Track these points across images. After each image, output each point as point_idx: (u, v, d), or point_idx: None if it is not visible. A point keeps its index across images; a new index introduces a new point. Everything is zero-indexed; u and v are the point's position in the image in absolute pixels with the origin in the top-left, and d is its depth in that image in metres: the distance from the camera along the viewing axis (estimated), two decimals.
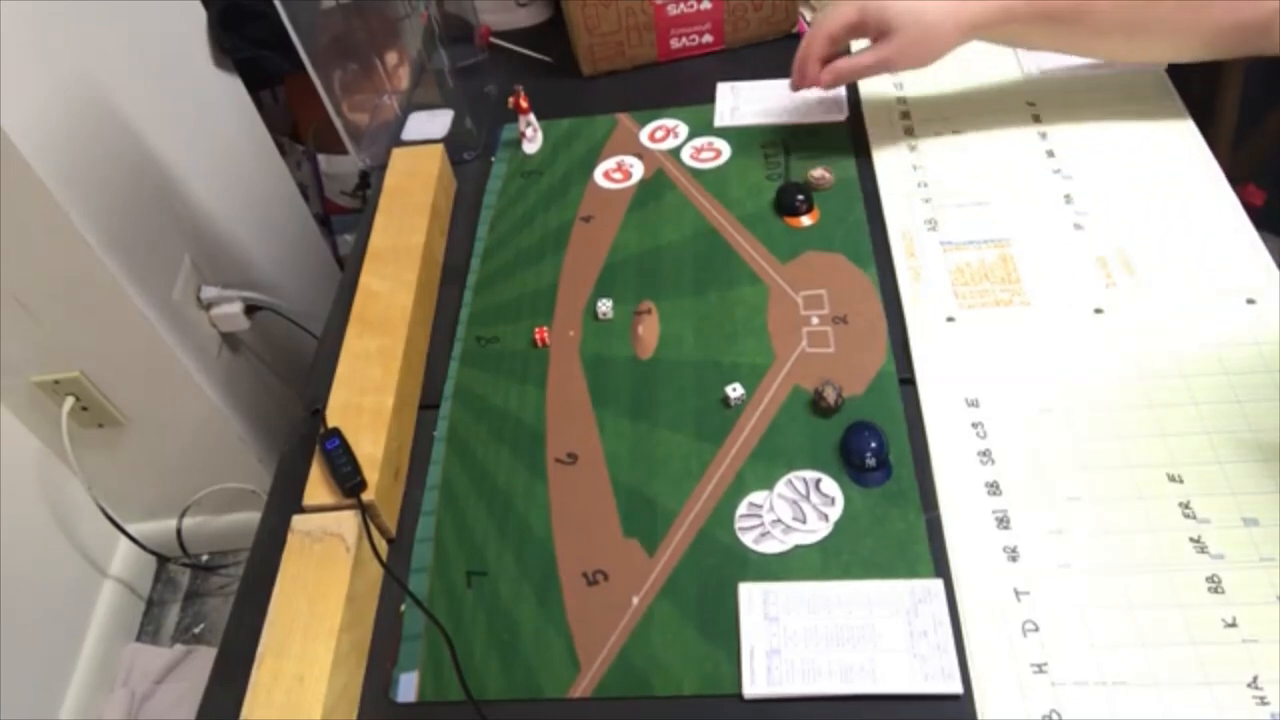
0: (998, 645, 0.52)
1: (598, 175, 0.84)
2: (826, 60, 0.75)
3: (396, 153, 0.84)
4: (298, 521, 0.59)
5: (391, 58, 0.92)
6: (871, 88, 0.86)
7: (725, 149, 0.84)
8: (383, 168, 0.84)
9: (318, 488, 0.60)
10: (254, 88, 1.45)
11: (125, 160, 1.11)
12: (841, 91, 0.86)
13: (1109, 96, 0.81)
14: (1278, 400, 0.59)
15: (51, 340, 1.13)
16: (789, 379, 0.67)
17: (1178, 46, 0.72)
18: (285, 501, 0.64)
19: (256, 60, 1.39)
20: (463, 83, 0.94)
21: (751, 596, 0.56)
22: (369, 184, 1.51)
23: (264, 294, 1.30)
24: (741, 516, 0.60)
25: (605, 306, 0.73)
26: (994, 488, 0.58)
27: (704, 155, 0.84)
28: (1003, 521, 0.57)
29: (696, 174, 0.83)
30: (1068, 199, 0.74)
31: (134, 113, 1.13)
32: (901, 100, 0.85)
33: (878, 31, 0.70)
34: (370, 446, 0.62)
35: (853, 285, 0.72)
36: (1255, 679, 0.49)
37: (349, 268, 0.80)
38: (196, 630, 1.46)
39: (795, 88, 0.79)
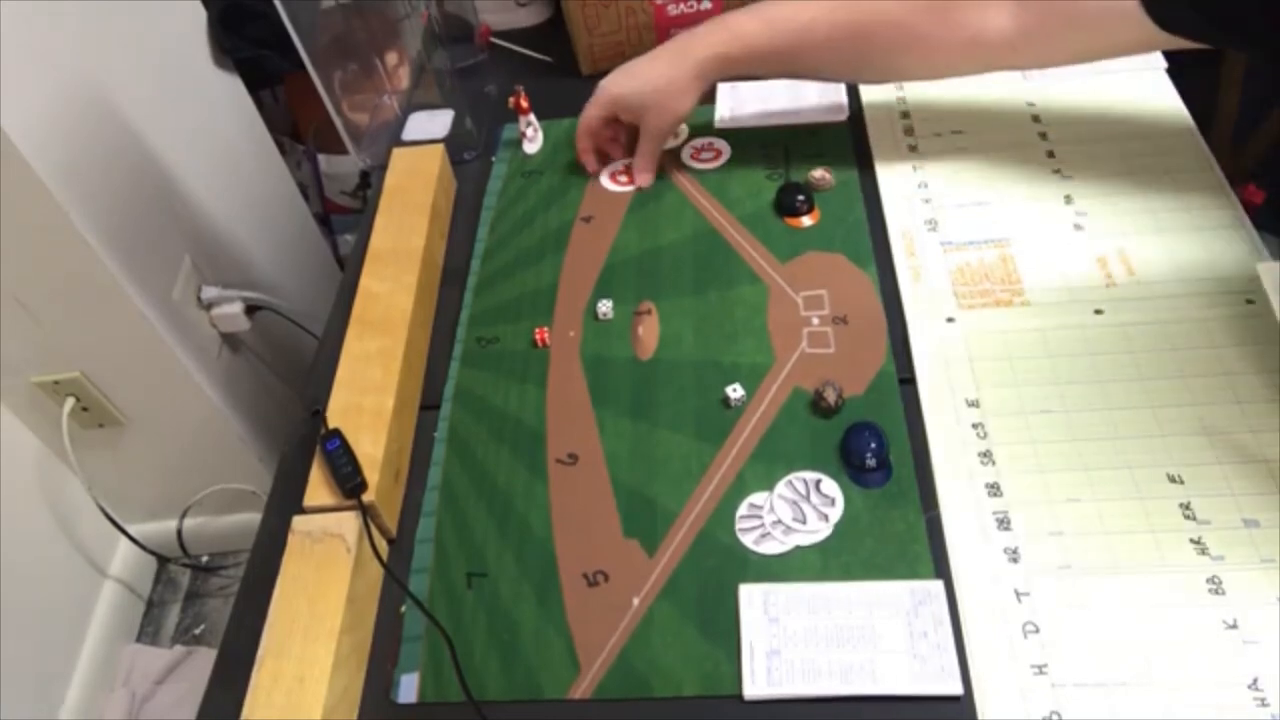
0: (998, 646, 0.52)
1: (604, 178, 0.84)
2: (607, 142, 0.84)
3: (396, 153, 0.84)
4: (298, 522, 0.59)
5: (391, 58, 0.92)
6: (872, 88, 0.86)
7: (725, 149, 0.84)
8: (383, 168, 0.84)
9: (318, 488, 0.60)
10: (254, 88, 1.45)
11: (125, 160, 1.11)
12: (842, 92, 0.86)
13: (1109, 97, 0.81)
14: (1278, 400, 0.59)
15: (51, 340, 1.13)
16: (789, 379, 0.66)
17: (913, 68, 0.74)
18: (285, 502, 0.64)
19: (256, 60, 1.38)
20: (463, 83, 0.94)
21: (752, 597, 0.56)
22: (369, 184, 1.51)
23: (264, 294, 1.30)
24: (742, 517, 0.60)
25: (605, 307, 0.73)
26: (994, 488, 0.58)
27: (704, 155, 0.84)
28: (1003, 522, 0.57)
29: (696, 174, 0.83)
30: (1068, 199, 0.74)
31: (134, 113, 1.13)
32: (902, 100, 0.85)
33: (630, 113, 0.79)
34: (371, 447, 0.62)
35: (853, 285, 0.72)
36: (1255, 680, 0.49)
37: (349, 268, 0.80)
38: (196, 631, 1.46)
39: (592, 172, 0.84)
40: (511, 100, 0.87)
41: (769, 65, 0.75)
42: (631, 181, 0.83)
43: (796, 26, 0.70)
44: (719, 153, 0.84)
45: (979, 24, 0.66)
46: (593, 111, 0.80)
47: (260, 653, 0.54)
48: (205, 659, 1.40)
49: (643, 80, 0.76)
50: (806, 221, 0.77)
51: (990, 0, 0.65)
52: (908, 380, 0.65)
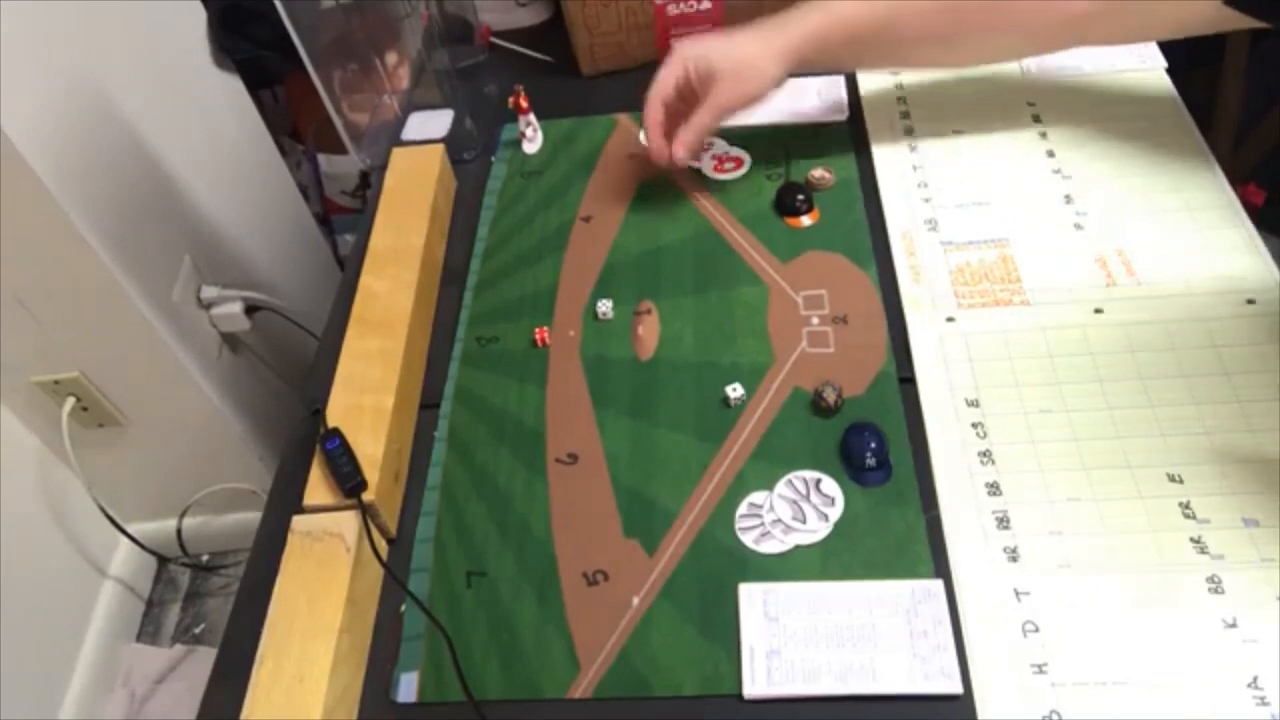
0: (998, 645, 0.52)
1: (706, 165, 0.83)
2: (674, 124, 0.75)
3: (396, 153, 0.84)
4: (298, 522, 0.59)
5: (391, 58, 0.92)
6: (872, 88, 0.86)
7: (746, 158, 0.83)
8: (383, 168, 0.84)
9: (318, 488, 0.60)
10: (254, 88, 1.45)
11: (125, 160, 1.11)
12: (842, 92, 0.86)
13: (1109, 96, 0.81)
14: (1278, 400, 0.59)
15: (51, 340, 1.13)
16: (789, 379, 0.66)
17: (997, 48, 0.74)
18: (285, 501, 0.64)
19: (257, 60, 1.39)
20: (463, 83, 0.94)
21: (751, 597, 0.56)
22: (369, 184, 1.51)
23: (264, 294, 1.30)
24: (741, 517, 0.60)
25: (605, 307, 0.73)
26: (994, 488, 0.58)
27: (726, 166, 0.83)
28: (1003, 521, 0.57)
29: (696, 174, 0.83)
30: (1068, 199, 0.74)
31: (134, 113, 1.13)
32: (902, 100, 0.85)
33: (702, 81, 0.72)
34: (370, 447, 0.62)
35: (853, 285, 0.72)
36: (1255, 679, 0.49)
37: (349, 268, 0.80)
38: (196, 630, 1.46)
39: (660, 159, 0.75)
40: (511, 100, 0.87)
41: (862, 49, 0.73)
42: (739, 165, 0.80)
43: (896, 6, 0.69)
44: (740, 161, 0.83)
45: (1063, 8, 0.67)
46: (670, 71, 0.72)
47: (260, 652, 0.54)
48: (205, 658, 1.40)
49: (729, 45, 0.71)
50: (806, 221, 0.77)
51: None
52: (908, 380, 0.65)
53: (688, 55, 0.72)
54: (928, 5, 0.69)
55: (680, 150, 0.74)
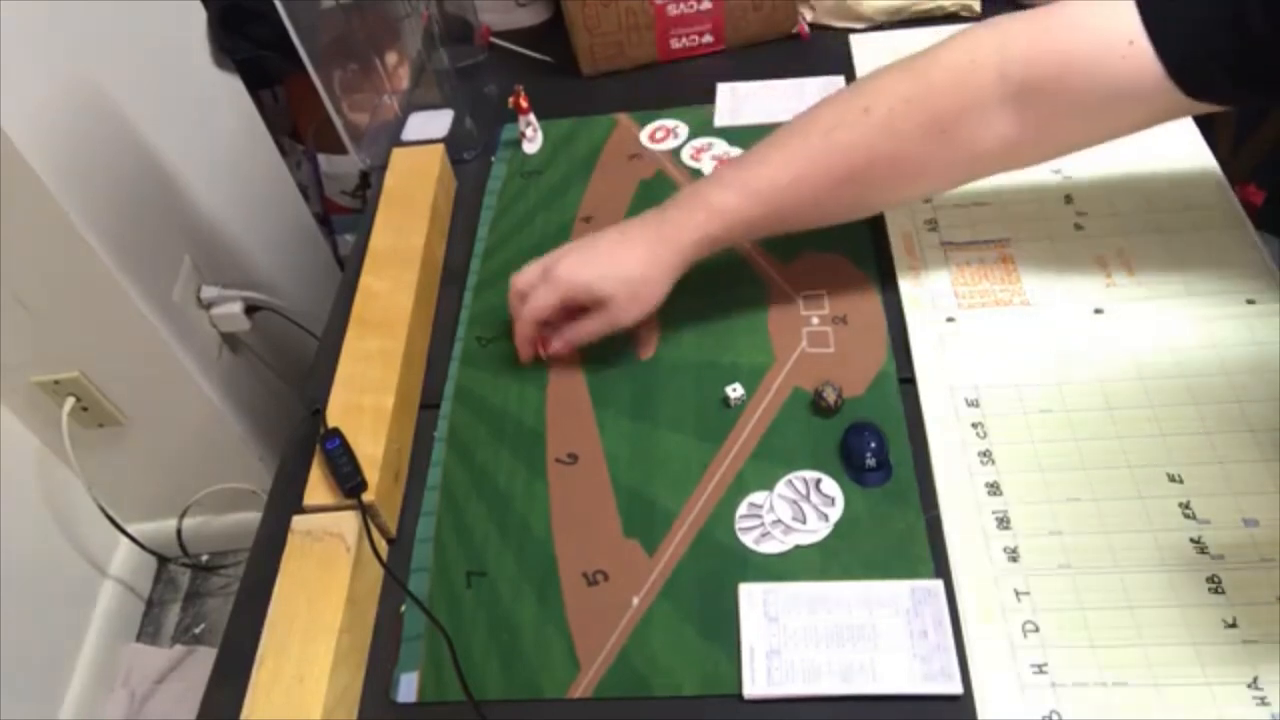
0: (998, 645, 0.52)
1: (707, 168, 0.83)
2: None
3: (396, 153, 0.84)
4: (298, 522, 0.59)
5: (391, 58, 0.92)
6: None
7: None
8: (383, 168, 0.84)
9: (318, 488, 0.60)
10: (254, 88, 1.45)
11: (125, 160, 1.11)
12: None
13: None
14: (1278, 400, 0.59)
15: (51, 340, 1.13)
16: (789, 379, 0.66)
17: (921, 193, 0.71)
18: (285, 501, 0.64)
19: (257, 60, 1.39)
20: (463, 83, 0.94)
21: (751, 597, 0.56)
22: (369, 184, 1.51)
23: (264, 294, 1.30)
24: (741, 517, 0.60)
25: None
26: (994, 488, 0.58)
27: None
28: (1003, 521, 0.57)
29: (697, 174, 0.83)
30: (1068, 199, 0.74)
31: (134, 113, 1.13)
32: None
33: (593, 303, 0.65)
34: (370, 447, 0.62)
35: (853, 285, 0.71)
36: (1255, 679, 0.49)
37: (349, 268, 0.80)
38: (196, 630, 1.46)
39: (526, 359, 0.71)
40: (511, 100, 0.87)
41: (758, 233, 0.69)
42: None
43: (781, 188, 0.62)
44: None
45: (981, 136, 0.59)
46: (545, 300, 0.66)
47: (260, 652, 0.54)
48: (205, 658, 1.40)
49: (613, 268, 0.65)
50: None
51: (987, 106, 0.58)
52: (908, 380, 0.65)
53: (571, 284, 0.65)
54: (822, 185, 0.62)
55: (560, 345, 0.69)
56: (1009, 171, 0.65)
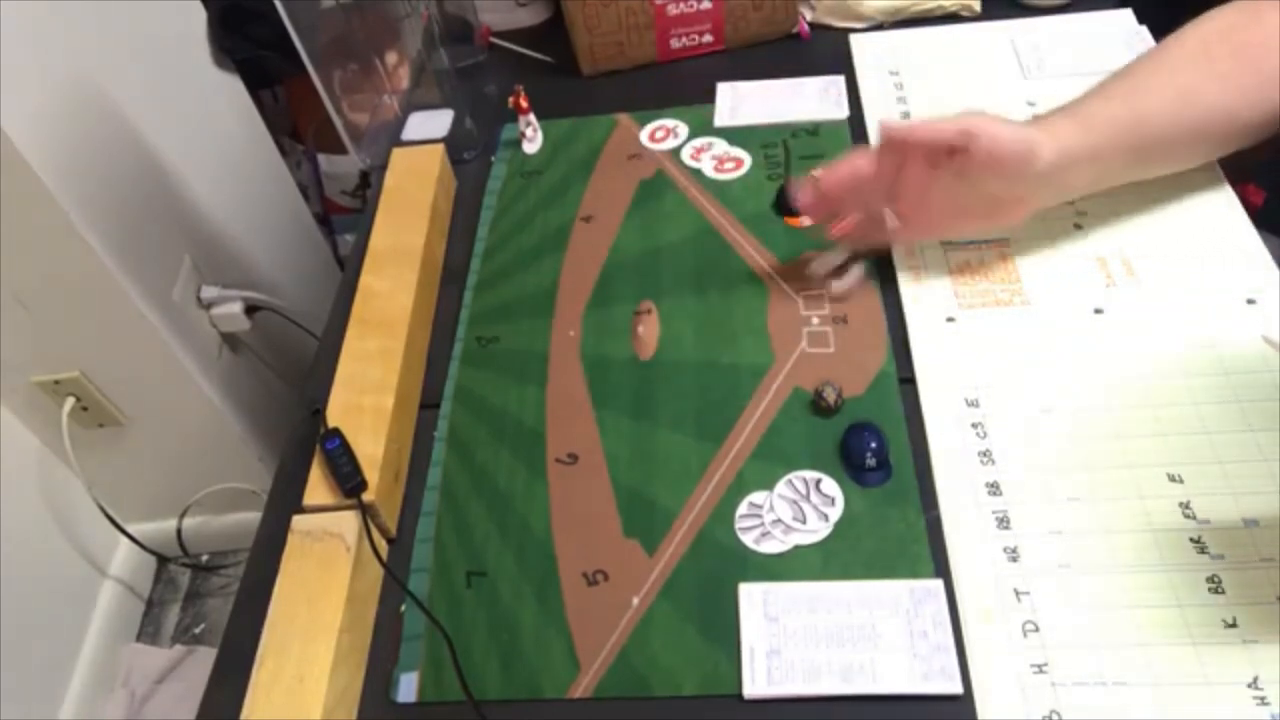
0: (998, 645, 0.52)
1: (707, 167, 0.83)
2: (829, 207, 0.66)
3: (396, 153, 0.84)
4: (298, 522, 0.59)
5: (391, 58, 0.92)
6: (872, 87, 0.86)
7: (746, 158, 0.83)
8: (383, 168, 0.84)
9: (318, 488, 0.60)
10: (254, 88, 1.45)
11: (125, 160, 1.11)
12: (842, 91, 0.86)
13: None
14: (1278, 400, 0.59)
15: (51, 340, 1.13)
16: (789, 379, 0.66)
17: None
18: (285, 501, 0.64)
19: (257, 60, 1.39)
20: (463, 83, 0.94)
21: (751, 596, 0.56)
22: (369, 184, 1.51)
23: (264, 294, 1.30)
24: (741, 517, 0.60)
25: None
26: (994, 488, 0.58)
27: (726, 166, 0.83)
28: (1003, 521, 0.57)
29: (696, 174, 0.83)
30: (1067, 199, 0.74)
31: (134, 113, 1.13)
32: (902, 100, 0.85)
33: (986, 158, 0.60)
34: (370, 447, 0.62)
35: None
36: (1255, 679, 0.49)
37: (349, 268, 0.80)
38: (196, 630, 1.46)
39: (811, 212, 0.67)
40: (511, 100, 0.87)
41: (1126, 159, 0.66)
42: (740, 166, 0.72)
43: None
44: (740, 162, 0.83)
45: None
46: (944, 129, 0.60)
47: (260, 652, 0.54)
48: (205, 658, 1.40)
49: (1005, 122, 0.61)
50: (806, 221, 0.77)
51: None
52: (908, 380, 0.65)
53: (976, 123, 0.59)
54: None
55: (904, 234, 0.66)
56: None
